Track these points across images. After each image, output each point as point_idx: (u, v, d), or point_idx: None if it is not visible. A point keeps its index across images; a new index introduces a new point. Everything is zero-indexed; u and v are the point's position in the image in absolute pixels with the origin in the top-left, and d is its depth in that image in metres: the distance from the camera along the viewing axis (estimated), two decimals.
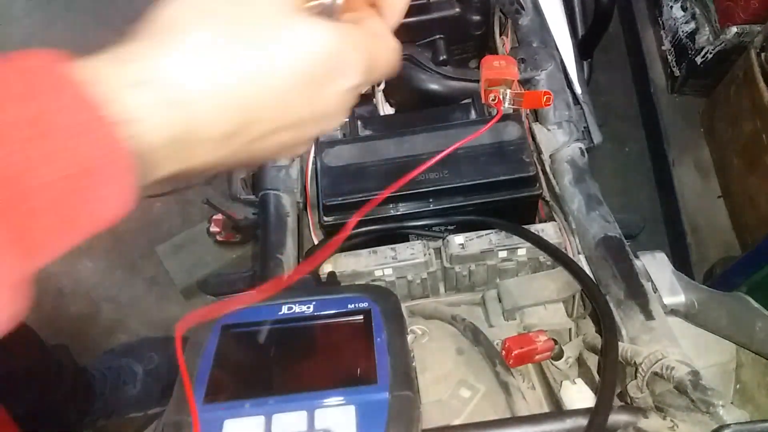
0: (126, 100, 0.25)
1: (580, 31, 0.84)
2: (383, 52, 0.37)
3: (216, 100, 0.27)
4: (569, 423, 0.40)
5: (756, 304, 0.45)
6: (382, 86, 0.69)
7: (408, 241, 0.58)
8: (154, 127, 0.26)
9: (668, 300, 0.51)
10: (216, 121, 0.28)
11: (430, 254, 0.55)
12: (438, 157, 0.53)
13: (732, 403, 0.40)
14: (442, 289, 0.59)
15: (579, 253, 0.56)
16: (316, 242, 0.59)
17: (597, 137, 0.68)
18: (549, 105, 0.58)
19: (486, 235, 0.55)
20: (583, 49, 0.80)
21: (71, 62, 0.25)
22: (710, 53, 1.31)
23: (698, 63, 1.34)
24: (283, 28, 0.29)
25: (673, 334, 0.46)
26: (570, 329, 0.54)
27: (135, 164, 0.25)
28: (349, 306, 0.42)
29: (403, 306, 0.47)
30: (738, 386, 0.49)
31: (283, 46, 0.29)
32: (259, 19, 0.29)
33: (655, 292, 0.51)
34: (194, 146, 0.28)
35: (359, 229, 0.57)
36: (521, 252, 0.55)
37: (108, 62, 0.26)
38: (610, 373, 0.42)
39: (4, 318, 0.23)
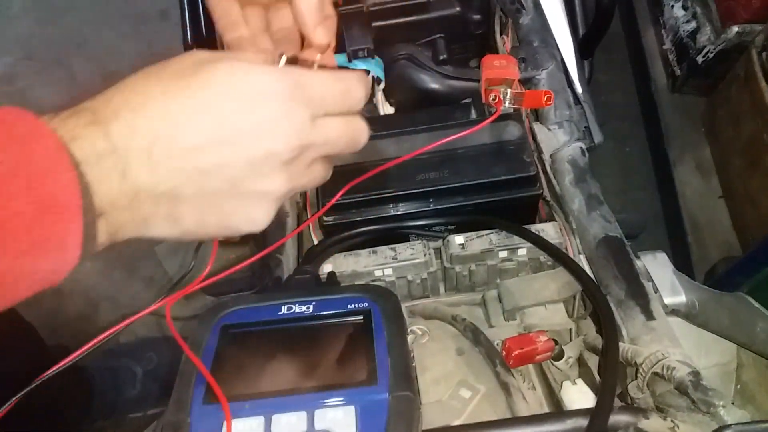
0: (82, 153, 0.28)
1: (581, 31, 0.84)
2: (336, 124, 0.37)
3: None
4: (570, 423, 0.40)
5: (757, 305, 0.45)
6: (382, 86, 0.69)
7: (408, 241, 0.58)
8: (107, 179, 0.29)
9: (669, 300, 0.51)
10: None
11: (430, 254, 0.55)
12: (430, 146, 0.53)
13: (733, 403, 0.40)
14: (442, 289, 0.59)
15: (579, 253, 0.56)
16: (315, 242, 0.59)
17: (598, 137, 0.68)
18: (550, 104, 0.58)
19: (486, 235, 0.55)
20: (584, 49, 0.80)
21: (41, 118, 0.28)
22: (711, 53, 1.31)
23: (699, 62, 1.34)
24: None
25: (674, 334, 0.46)
26: (570, 329, 0.54)
27: (86, 209, 0.28)
28: (349, 306, 0.42)
29: (403, 306, 0.47)
30: (739, 386, 0.49)
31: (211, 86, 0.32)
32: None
33: (655, 292, 0.51)
34: (145, 203, 0.31)
35: (359, 229, 0.57)
36: (521, 252, 0.55)
37: (76, 125, 0.29)
38: (610, 373, 0.42)
39: None
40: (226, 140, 0.31)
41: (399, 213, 0.57)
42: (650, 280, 0.52)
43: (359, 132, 0.38)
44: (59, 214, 0.27)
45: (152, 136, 0.30)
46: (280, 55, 0.37)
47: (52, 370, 0.39)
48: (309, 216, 0.63)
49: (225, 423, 0.34)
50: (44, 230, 0.26)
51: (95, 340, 0.40)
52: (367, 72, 0.67)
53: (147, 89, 0.32)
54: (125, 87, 0.32)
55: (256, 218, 0.34)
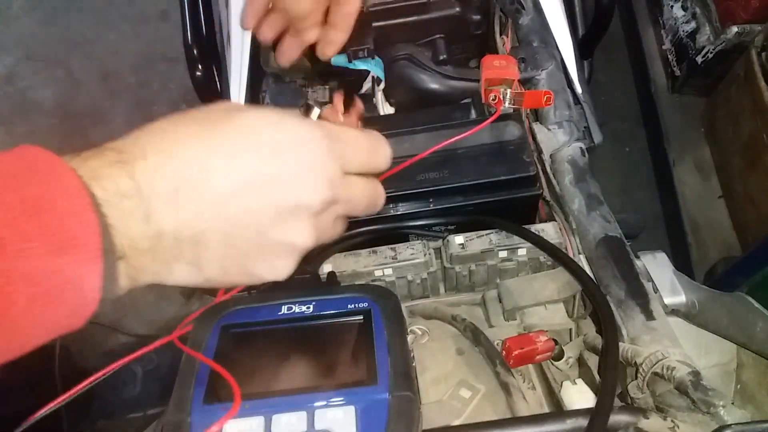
0: (105, 195, 0.27)
1: (581, 31, 0.84)
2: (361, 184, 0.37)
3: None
4: (570, 423, 0.40)
5: (757, 305, 0.45)
6: (382, 86, 0.69)
7: (408, 241, 0.58)
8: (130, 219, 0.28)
9: (669, 300, 0.51)
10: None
11: (430, 254, 0.55)
12: (431, 149, 0.54)
13: (733, 403, 0.40)
14: (442, 289, 0.59)
15: (579, 253, 0.56)
16: None
17: (597, 137, 0.68)
18: (549, 105, 0.58)
19: (486, 235, 0.55)
20: (584, 49, 0.80)
21: (62, 156, 0.27)
22: (711, 53, 1.31)
23: (699, 62, 1.34)
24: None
25: (673, 334, 0.46)
26: (570, 329, 0.54)
27: (106, 251, 0.27)
28: (349, 306, 0.42)
29: (403, 306, 0.47)
30: (739, 386, 0.49)
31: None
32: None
33: (655, 292, 0.51)
34: (168, 248, 0.30)
35: (359, 229, 0.57)
36: (521, 252, 0.55)
37: (99, 165, 0.28)
38: (610, 373, 0.42)
39: None
40: (257, 188, 0.31)
41: (399, 213, 0.58)
42: (650, 280, 0.52)
43: (380, 195, 0.39)
44: (77, 255, 0.25)
45: (180, 179, 0.29)
46: (310, 109, 0.36)
47: (59, 401, 0.40)
48: None
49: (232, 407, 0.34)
50: (61, 272, 0.25)
51: (105, 370, 0.39)
52: (368, 72, 0.67)
53: (176, 132, 0.31)
54: (153, 129, 0.31)
55: (279, 269, 0.33)
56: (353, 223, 0.57)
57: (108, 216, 0.27)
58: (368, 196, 0.37)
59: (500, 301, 0.54)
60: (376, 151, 0.37)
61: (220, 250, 0.31)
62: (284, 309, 0.42)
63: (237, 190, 0.30)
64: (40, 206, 0.25)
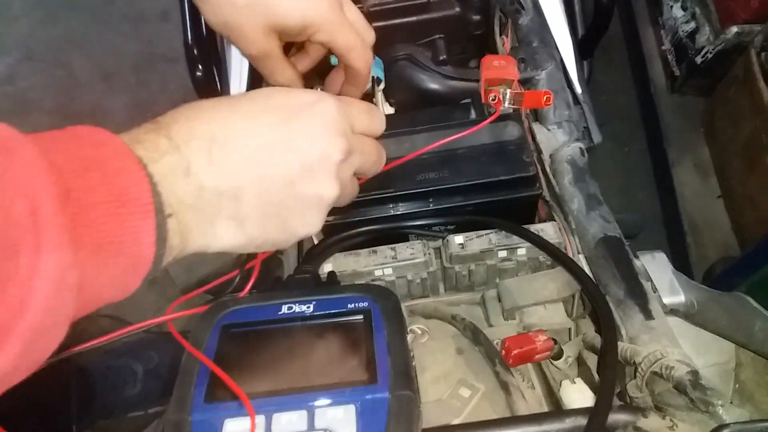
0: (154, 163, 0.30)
1: (580, 31, 0.84)
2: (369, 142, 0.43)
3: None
4: (569, 422, 0.40)
5: (755, 304, 0.45)
6: (382, 86, 0.69)
7: (408, 240, 0.58)
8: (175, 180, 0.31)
9: (668, 300, 0.52)
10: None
11: (430, 254, 0.55)
12: (430, 146, 0.54)
13: (731, 402, 0.40)
14: (441, 289, 0.60)
15: (579, 252, 0.56)
16: (316, 242, 0.59)
17: (597, 137, 0.68)
18: (549, 105, 0.58)
19: (486, 234, 0.55)
20: (583, 49, 0.80)
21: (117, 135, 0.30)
22: (710, 53, 1.31)
23: (698, 63, 1.34)
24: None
25: (672, 333, 0.46)
26: (570, 329, 0.54)
27: (157, 207, 0.29)
28: (349, 306, 0.42)
29: (403, 306, 0.47)
30: (737, 386, 0.49)
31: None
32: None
33: (654, 292, 0.51)
34: (214, 207, 0.32)
35: (359, 229, 0.57)
36: (521, 252, 0.55)
37: (137, 132, 0.31)
38: (609, 372, 0.42)
39: (62, 319, 0.25)
40: (282, 145, 0.34)
41: (399, 213, 0.58)
42: (649, 279, 0.53)
43: (383, 153, 0.45)
44: (133, 207, 0.27)
45: (210, 138, 0.32)
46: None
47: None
48: None
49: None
50: (122, 223, 0.27)
51: (94, 341, 0.40)
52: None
53: (200, 105, 0.34)
54: (179, 108, 0.34)
55: (312, 222, 0.37)
56: (353, 223, 0.58)
57: (153, 174, 0.29)
58: (376, 152, 0.43)
59: (500, 301, 0.54)
60: (374, 114, 0.43)
61: (257, 204, 0.34)
62: (285, 308, 0.42)
63: (263, 147, 0.34)
64: (96, 165, 0.27)
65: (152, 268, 0.30)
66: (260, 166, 0.33)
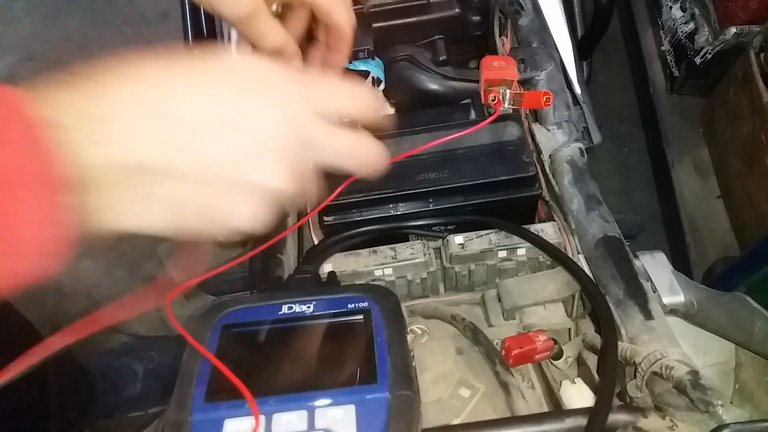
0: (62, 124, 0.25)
1: (580, 32, 0.85)
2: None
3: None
4: (569, 422, 0.40)
5: (755, 304, 0.45)
6: (382, 87, 0.69)
7: (408, 241, 0.58)
8: (89, 149, 0.26)
9: (667, 300, 0.52)
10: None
11: (430, 254, 0.55)
12: (429, 144, 0.54)
13: (731, 402, 0.40)
14: (441, 289, 0.60)
15: (578, 252, 0.56)
16: (316, 242, 0.59)
17: (596, 137, 0.68)
18: (549, 105, 0.59)
19: (486, 234, 0.55)
20: (583, 50, 0.80)
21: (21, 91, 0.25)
22: (709, 54, 1.32)
23: (697, 63, 1.34)
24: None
25: (672, 333, 0.46)
26: (570, 329, 0.54)
27: (66, 185, 0.25)
28: (349, 306, 0.42)
29: (403, 305, 0.47)
30: (737, 386, 0.49)
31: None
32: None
33: (654, 292, 0.51)
34: (138, 179, 0.28)
35: (359, 229, 0.57)
36: (521, 252, 0.55)
37: (56, 94, 0.27)
38: (609, 372, 0.42)
39: None
40: (225, 122, 0.30)
41: (399, 213, 0.58)
42: (649, 279, 0.53)
43: (370, 150, 0.35)
44: (13, 177, 0.23)
45: (148, 105, 0.28)
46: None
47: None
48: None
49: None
50: (4, 203, 0.23)
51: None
52: (368, 73, 0.67)
53: (144, 63, 0.30)
54: (116, 62, 0.30)
55: (248, 214, 0.31)
56: (353, 223, 0.58)
57: (65, 142, 0.25)
58: (352, 150, 0.35)
59: (500, 301, 0.54)
60: (357, 95, 0.35)
61: (194, 186, 0.30)
62: (285, 308, 0.42)
63: (206, 122, 0.29)
64: None
65: (62, 255, 0.26)
66: (201, 143, 0.29)
